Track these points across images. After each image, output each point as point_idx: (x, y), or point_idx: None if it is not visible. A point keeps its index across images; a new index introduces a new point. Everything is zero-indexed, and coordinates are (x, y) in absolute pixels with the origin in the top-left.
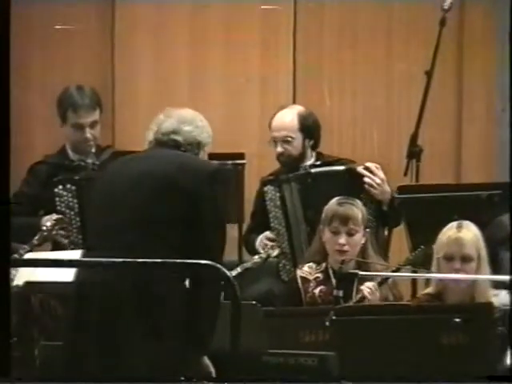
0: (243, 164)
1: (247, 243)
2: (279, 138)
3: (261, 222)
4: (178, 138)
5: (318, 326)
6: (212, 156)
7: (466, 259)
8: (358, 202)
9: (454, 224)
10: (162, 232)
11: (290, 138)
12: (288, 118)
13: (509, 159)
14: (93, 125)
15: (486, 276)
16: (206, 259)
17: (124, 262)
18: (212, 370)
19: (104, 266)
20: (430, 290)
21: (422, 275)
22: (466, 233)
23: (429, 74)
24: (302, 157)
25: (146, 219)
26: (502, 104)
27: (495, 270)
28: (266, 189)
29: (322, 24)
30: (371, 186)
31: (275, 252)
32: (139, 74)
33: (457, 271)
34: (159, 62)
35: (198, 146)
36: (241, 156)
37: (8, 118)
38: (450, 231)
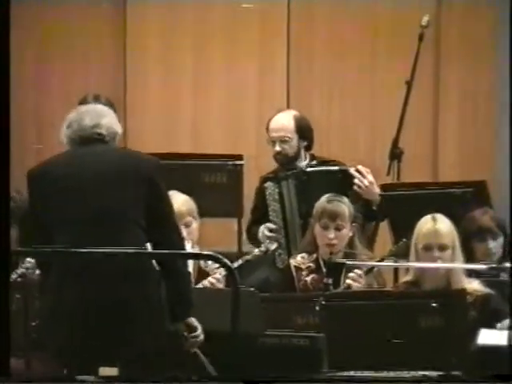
0: (241, 164)
1: (249, 235)
2: (277, 138)
3: (261, 215)
4: (101, 131)
5: (310, 310)
6: (214, 157)
7: (442, 248)
8: (346, 200)
9: (428, 217)
10: (139, 221)
11: (287, 138)
12: (285, 120)
13: (509, 159)
14: None
15: (478, 265)
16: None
17: (138, 252)
18: (200, 331)
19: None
20: (408, 277)
21: (404, 264)
22: (442, 224)
23: (409, 84)
24: (297, 156)
25: (122, 209)
26: (474, 109)
27: (469, 259)
28: (266, 185)
29: (314, 37)
30: (360, 186)
31: (273, 246)
32: (148, 82)
33: (435, 259)
34: (166, 71)
35: (115, 136)
36: (239, 157)
37: (8, 119)
38: (427, 224)
